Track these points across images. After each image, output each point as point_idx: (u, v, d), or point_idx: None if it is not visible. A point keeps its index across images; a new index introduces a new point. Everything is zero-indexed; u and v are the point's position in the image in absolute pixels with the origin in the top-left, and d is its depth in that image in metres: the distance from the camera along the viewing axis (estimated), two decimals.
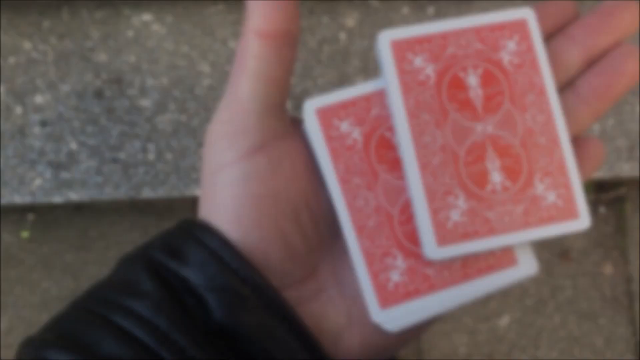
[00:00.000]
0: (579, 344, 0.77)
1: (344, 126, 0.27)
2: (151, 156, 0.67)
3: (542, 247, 0.80)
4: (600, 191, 0.82)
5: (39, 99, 0.67)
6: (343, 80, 0.69)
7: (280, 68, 0.26)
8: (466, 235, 0.25)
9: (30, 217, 0.74)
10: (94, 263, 0.76)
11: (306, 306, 0.27)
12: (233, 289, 0.24)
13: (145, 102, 0.67)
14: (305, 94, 0.68)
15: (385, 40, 0.26)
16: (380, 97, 0.27)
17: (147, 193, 0.67)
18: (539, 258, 0.77)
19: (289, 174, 0.26)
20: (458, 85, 0.26)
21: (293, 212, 0.26)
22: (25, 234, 0.75)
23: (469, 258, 0.26)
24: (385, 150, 0.27)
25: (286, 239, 0.26)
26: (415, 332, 0.28)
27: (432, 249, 0.25)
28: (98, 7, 0.68)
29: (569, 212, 0.26)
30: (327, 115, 0.27)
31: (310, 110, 0.27)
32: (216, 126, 0.26)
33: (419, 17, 0.70)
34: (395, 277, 0.26)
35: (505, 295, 0.78)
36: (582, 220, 0.26)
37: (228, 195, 0.25)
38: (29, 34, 0.68)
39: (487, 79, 0.26)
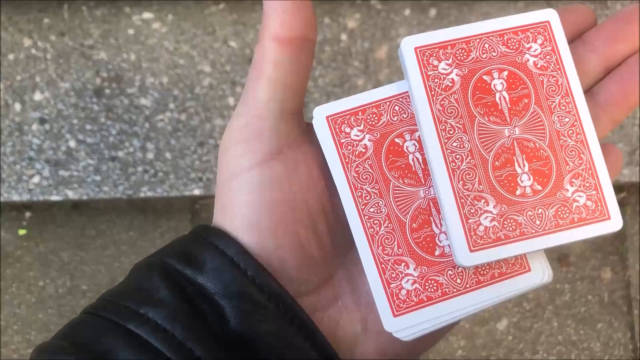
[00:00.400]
0: (576, 349, 0.77)
1: (355, 133, 0.27)
2: (150, 155, 0.67)
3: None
4: None
5: (38, 96, 0.67)
6: (344, 81, 0.69)
7: (297, 74, 0.26)
8: (498, 240, 0.25)
9: (28, 214, 0.74)
10: (90, 262, 0.75)
11: (322, 313, 0.27)
12: (250, 297, 0.24)
13: (145, 101, 0.67)
14: (306, 95, 0.67)
15: (409, 46, 0.26)
16: (389, 104, 0.27)
17: (145, 192, 0.67)
18: None
19: (305, 180, 0.26)
20: (484, 89, 0.26)
21: (309, 219, 0.26)
22: (22, 232, 0.75)
23: (481, 265, 0.26)
24: (396, 157, 0.27)
25: (302, 246, 0.26)
26: (430, 341, 0.28)
27: (464, 255, 0.25)
28: (98, 5, 0.68)
29: (600, 214, 0.26)
30: (337, 123, 0.27)
31: (321, 117, 0.27)
32: (232, 131, 0.26)
33: (421, 19, 0.70)
34: (407, 284, 0.26)
35: None
36: (614, 222, 0.26)
37: (244, 202, 0.25)
38: (29, 31, 0.67)
39: (513, 82, 0.26)
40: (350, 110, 0.27)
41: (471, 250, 0.25)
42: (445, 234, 0.26)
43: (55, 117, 0.67)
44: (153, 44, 0.68)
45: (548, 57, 0.27)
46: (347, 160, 0.27)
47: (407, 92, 0.27)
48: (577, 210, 0.26)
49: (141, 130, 0.67)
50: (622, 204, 0.80)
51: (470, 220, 0.25)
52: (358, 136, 0.27)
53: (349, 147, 0.27)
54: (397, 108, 0.27)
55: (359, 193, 0.26)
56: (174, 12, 0.68)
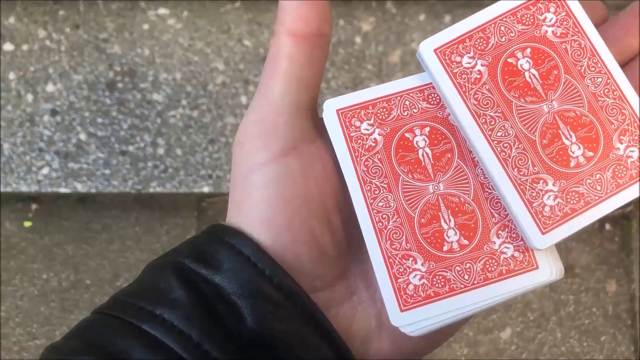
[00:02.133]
0: None
1: (365, 127, 0.27)
2: (161, 151, 0.66)
3: None
4: None
5: (50, 87, 0.67)
6: (357, 84, 0.69)
7: (312, 69, 0.26)
8: (566, 216, 0.25)
9: (34, 206, 0.73)
10: (95, 256, 0.75)
11: (337, 309, 0.26)
12: (267, 296, 0.24)
13: (157, 96, 0.67)
14: (319, 96, 0.67)
15: (429, 49, 0.26)
16: (400, 98, 0.27)
17: (155, 187, 0.67)
18: None
19: (320, 175, 0.26)
20: (512, 72, 0.26)
21: (324, 214, 0.26)
22: (27, 224, 0.74)
23: (488, 261, 0.26)
24: (405, 151, 0.27)
25: (317, 241, 0.26)
26: (443, 336, 0.28)
27: (537, 239, 0.25)
28: None
29: None
30: (347, 116, 0.27)
31: (331, 110, 0.27)
32: (247, 126, 0.26)
33: (435, 24, 0.70)
34: (415, 279, 0.26)
35: (507, 308, 0.78)
36: None
37: (260, 197, 0.25)
38: (44, 22, 0.67)
39: (538, 57, 0.26)
40: (361, 104, 0.27)
41: (543, 232, 0.25)
42: (453, 230, 0.26)
43: (66, 109, 0.67)
44: (167, 39, 0.68)
45: (565, 22, 0.27)
46: (356, 154, 0.27)
47: (418, 86, 0.27)
48: (632, 166, 0.25)
49: (152, 125, 0.67)
50: (627, 217, 0.80)
51: (535, 205, 0.25)
52: (368, 130, 0.27)
53: (359, 141, 0.27)
54: (407, 103, 0.27)
55: (368, 187, 0.26)
56: (190, 9, 0.69)
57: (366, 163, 0.27)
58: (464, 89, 0.26)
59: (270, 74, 0.25)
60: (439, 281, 0.26)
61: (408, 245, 0.26)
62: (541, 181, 0.25)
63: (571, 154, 0.25)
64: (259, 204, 0.25)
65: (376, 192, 0.26)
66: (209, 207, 0.72)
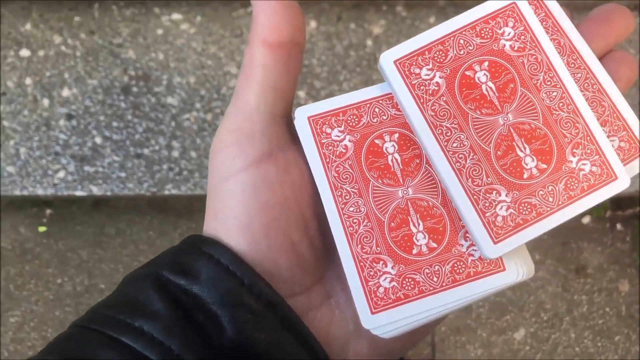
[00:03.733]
0: None
1: (335, 133, 0.27)
2: (175, 153, 0.67)
3: (559, 262, 0.79)
4: (617, 209, 0.82)
5: (66, 92, 0.67)
6: (369, 86, 0.69)
7: (286, 78, 0.26)
8: (517, 226, 0.25)
9: (48, 212, 0.74)
10: (109, 260, 0.75)
11: (315, 312, 0.27)
12: (247, 305, 0.24)
13: (172, 100, 0.68)
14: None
15: (389, 61, 0.27)
16: (370, 105, 0.28)
17: (170, 190, 0.67)
18: (555, 273, 0.77)
19: (297, 181, 0.27)
20: (469, 84, 0.27)
21: (301, 219, 0.26)
22: (42, 229, 0.75)
23: (456, 263, 0.26)
24: (375, 157, 0.27)
25: (295, 247, 0.26)
26: (418, 335, 0.28)
27: (489, 248, 0.25)
28: (128, 5, 0.69)
29: (608, 176, 0.26)
30: (318, 123, 0.28)
31: (303, 117, 0.28)
32: (223, 134, 0.26)
33: None
34: (385, 282, 0.26)
35: (520, 309, 0.78)
36: (621, 180, 0.26)
37: (237, 204, 0.25)
38: (60, 28, 0.68)
39: (495, 71, 0.27)
40: (332, 111, 0.28)
41: (494, 243, 0.25)
42: (422, 233, 0.27)
43: (82, 114, 0.67)
44: (181, 44, 0.69)
45: (522, 37, 0.27)
46: (327, 160, 0.27)
47: (387, 94, 0.28)
48: (585, 178, 0.26)
49: (167, 128, 0.67)
50: (639, 217, 0.80)
51: (487, 214, 0.25)
52: (339, 137, 0.27)
53: (330, 147, 0.27)
54: (377, 110, 0.28)
55: (339, 192, 0.27)
56: (203, 14, 0.69)
57: (337, 169, 0.27)
58: (421, 100, 0.27)
59: (245, 82, 0.26)
60: (408, 284, 0.26)
61: (378, 248, 0.26)
62: (494, 192, 0.26)
63: (525, 165, 0.26)
64: (235, 211, 0.25)
65: (347, 197, 0.27)
66: None
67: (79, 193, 0.67)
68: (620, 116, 0.27)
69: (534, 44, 0.27)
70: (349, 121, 0.27)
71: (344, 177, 0.27)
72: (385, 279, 0.26)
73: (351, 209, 0.27)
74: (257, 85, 0.25)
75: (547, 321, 0.77)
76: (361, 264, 0.26)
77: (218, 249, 0.25)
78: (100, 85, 0.67)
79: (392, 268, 0.26)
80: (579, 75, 0.27)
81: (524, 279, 0.26)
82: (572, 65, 0.27)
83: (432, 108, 0.26)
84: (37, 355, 0.23)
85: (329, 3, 0.71)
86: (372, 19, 0.70)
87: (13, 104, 0.67)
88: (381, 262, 0.26)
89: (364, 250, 0.26)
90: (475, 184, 0.26)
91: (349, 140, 0.27)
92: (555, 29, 0.28)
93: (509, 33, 0.27)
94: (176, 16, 0.69)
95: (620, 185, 0.26)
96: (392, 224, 0.26)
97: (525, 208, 0.25)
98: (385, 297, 0.26)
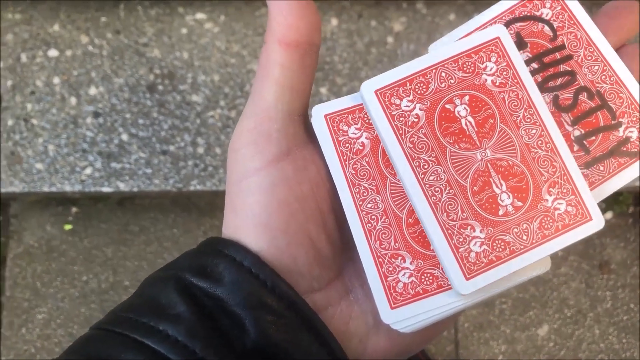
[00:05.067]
0: (619, 357, 0.76)
1: (352, 131, 0.28)
2: (200, 150, 0.68)
3: (582, 258, 0.79)
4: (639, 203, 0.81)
5: (93, 90, 0.69)
6: None
7: (303, 76, 0.26)
8: (490, 263, 0.25)
9: (74, 210, 0.75)
10: (133, 258, 0.76)
11: (335, 308, 0.27)
12: (269, 307, 0.24)
13: (197, 98, 0.69)
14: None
15: (370, 90, 0.27)
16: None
17: (195, 186, 0.68)
18: (578, 269, 0.76)
19: (314, 179, 0.27)
20: (449, 118, 0.27)
21: (319, 217, 0.27)
22: (67, 227, 0.76)
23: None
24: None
25: (313, 244, 0.26)
26: (437, 330, 0.29)
27: (461, 284, 0.25)
28: (153, 5, 0.70)
29: (583, 216, 0.26)
30: (335, 121, 0.28)
31: (319, 115, 0.28)
32: (241, 133, 0.26)
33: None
34: (404, 278, 0.26)
35: (544, 305, 0.77)
36: (596, 221, 0.26)
37: (255, 202, 0.25)
38: (86, 28, 0.70)
39: (476, 105, 0.27)
40: (347, 109, 0.28)
41: (467, 278, 0.25)
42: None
43: (108, 111, 0.68)
44: (205, 43, 0.70)
45: (505, 73, 0.27)
46: (345, 158, 0.27)
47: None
48: (560, 218, 0.26)
49: (192, 125, 0.68)
50: None
51: (461, 250, 0.25)
52: (355, 134, 0.28)
53: (347, 145, 0.27)
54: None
55: (357, 189, 0.27)
56: (226, 13, 0.70)
57: (354, 166, 0.27)
58: (400, 132, 0.27)
59: (262, 81, 0.26)
60: (426, 279, 0.26)
61: (397, 244, 0.27)
62: (469, 227, 0.26)
63: (500, 202, 0.26)
64: (255, 209, 0.25)
65: (365, 194, 0.27)
66: None
67: (105, 189, 0.68)
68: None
69: (515, 80, 0.27)
70: (365, 118, 0.27)
71: (362, 174, 0.27)
72: (404, 274, 0.26)
73: (369, 205, 0.27)
74: (274, 84, 0.26)
75: (570, 317, 0.77)
76: (380, 260, 0.26)
77: (240, 251, 0.25)
78: (126, 84, 0.69)
79: (410, 263, 0.26)
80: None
81: (541, 273, 0.26)
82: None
83: (411, 140, 0.26)
84: (61, 356, 0.23)
85: (350, 1, 0.71)
86: (392, 16, 0.71)
87: (42, 102, 0.68)
88: (400, 258, 0.26)
89: (382, 246, 0.26)
90: (450, 218, 0.26)
91: (366, 137, 0.27)
92: (572, 22, 0.28)
93: (491, 68, 0.27)
94: (200, 16, 0.70)
95: (594, 226, 0.26)
96: (410, 219, 0.27)
97: (499, 245, 0.25)
98: (404, 292, 0.26)
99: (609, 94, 0.27)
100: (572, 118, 0.27)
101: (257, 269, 0.24)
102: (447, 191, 0.26)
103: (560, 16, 0.28)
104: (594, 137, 0.27)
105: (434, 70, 0.27)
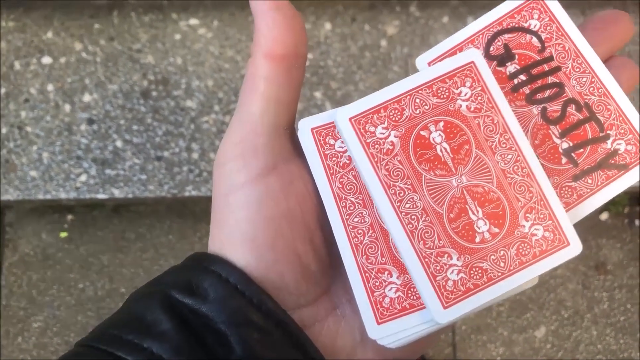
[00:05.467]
0: (617, 358, 0.76)
1: (338, 144, 0.27)
2: (195, 155, 0.68)
3: (579, 259, 0.79)
4: (635, 204, 0.82)
5: (87, 97, 0.69)
6: (384, 86, 0.70)
7: (289, 89, 0.26)
8: (468, 291, 0.25)
9: (69, 217, 0.75)
10: (130, 265, 0.76)
11: (322, 324, 0.27)
12: (255, 324, 0.24)
13: (191, 103, 0.69)
14: (347, 98, 0.69)
15: (344, 118, 0.27)
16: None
17: (190, 191, 0.68)
18: (574, 270, 0.77)
19: (301, 194, 0.27)
20: (424, 144, 0.27)
21: (306, 232, 0.26)
22: (63, 234, 0.76)
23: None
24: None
25: (301, 260, 0.26)
26: (425, 344, 0.28)
27: (438, 313, 0.25)
28: (147, 11, 0.70)
29: (560, 242, 0.26)
30: (321, 134, 0.28)
31: (306, 129, 0.28)
32: (227, 147, 0.26)
33: (458, 26, 0.72)
34: (390, 292, 0.26)
35: (541, 307, 0.77)
36: (574, 247, 0.26)
37: (241, 217, 0.25)
38: (80, 35, 0.70)
39: (450, 131, 0.27)
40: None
41: (445, 307, 0.25)
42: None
43: (103, 118, 0.68)
44: (199, 48, 0.70)
45: (479, 98, 0.27)
46: (331, 172, 0.27)
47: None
48: (537, 244, 0.26)
49: (187, 131, 0.68)
50: None
51: (438, 278, 0.25)
52: (342, 147, 0.27)
53: (334, 159, 0.27)
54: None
55: (344, 203, 0.27)
56: (219, 19, 0.71)
57: (341, 180, 0.27)
58: (375, 159, 0.26)
59: (249, 95, 0.26)
60: (413, 293, 0.26)
61: (383, 259, 0.26)
62: (446, 255, 0.25)
63: (477, 229, 0.26)
64: (241, 224, 0.25)
65: (351, 208, 0.27)
66: None
67: (100, 196, 0.68)
68: (627, 120, 0.27)
69: (490, 105, 0.27)
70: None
71: (348, 188, 0.27)
72: (390, 289, 0.26)
73: (356, 219, 0.27)
74: (260, 98, 0.25)
75: (567, 319, 0.77)
76: (367, 274, 0.26)
77: (225, 267, 0.25)
78: (120, 90, 0.69)
79: (397, 278, 0.26)
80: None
81: (526, 289, 0.26)
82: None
83: (386, 167, 0.26)
84: None
85: (344, 5, 0.72)
86: (385, 19, 0.71)
87: (36, 110, 0.68)
88: (386, 273, 0.26)
89: (369, 261, 0.26)
90: (427, 246, 0.26)
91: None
92: (560, 33, 0.28)
93: (466, 93, 0.27)
94: (193, 21, 0.70)
95: (572, 251, 0.25)
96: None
97: (476, 273, 0.25)
98: (390, 307, 0.26)
99: (597, 106, 0.27)
100: (560, 130, 0.27)
101: (243, 286, 0.24)
102: (423, 219, 0.26)
103: (549, 27, 0.28)
104: (582, 150, 0.27)
105: (408, 97, 0.27)
